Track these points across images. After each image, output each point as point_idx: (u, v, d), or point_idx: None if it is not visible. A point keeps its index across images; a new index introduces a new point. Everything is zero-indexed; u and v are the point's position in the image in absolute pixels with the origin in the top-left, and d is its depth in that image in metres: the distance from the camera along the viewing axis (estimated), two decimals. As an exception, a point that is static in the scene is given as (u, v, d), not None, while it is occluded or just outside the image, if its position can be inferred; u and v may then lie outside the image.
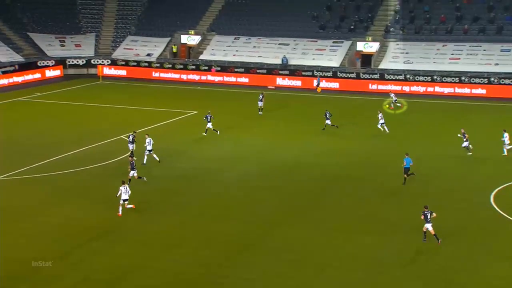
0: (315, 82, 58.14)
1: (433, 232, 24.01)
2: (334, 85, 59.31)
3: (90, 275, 21.83)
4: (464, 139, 35.91)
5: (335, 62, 61.54)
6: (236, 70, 62.43)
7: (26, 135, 40.35)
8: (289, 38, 64.87)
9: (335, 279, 21.97)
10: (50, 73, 62.93)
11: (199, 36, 67.29)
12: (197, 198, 29.49)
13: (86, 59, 65.87)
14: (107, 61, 65.65)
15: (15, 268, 22.10)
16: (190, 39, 67.40)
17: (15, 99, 52.00)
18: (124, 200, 26.79)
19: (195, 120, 45.44)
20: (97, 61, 65.60)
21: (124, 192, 26.77)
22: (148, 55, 66.14)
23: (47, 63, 63.56)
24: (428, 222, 24.01)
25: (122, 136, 39.95)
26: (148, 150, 33.97)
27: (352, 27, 65.00)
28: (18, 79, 59.43)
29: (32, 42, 66.20)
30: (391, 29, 63.84)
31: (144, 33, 68.95)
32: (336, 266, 22.81)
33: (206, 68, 63.31)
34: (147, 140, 33.94)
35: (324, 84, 58.89)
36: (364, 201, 29.17)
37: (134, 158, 32.08)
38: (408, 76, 58.15)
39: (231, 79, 61.89)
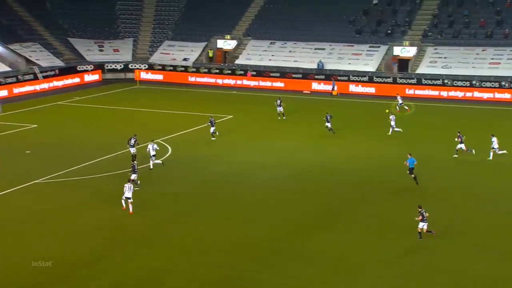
0: (332, 86, 58.26)
1: (426, 230, 24.94)
2: (370, 90, 58.93)
3: (125, 277, 22.22)
4: (459, 141, 35.61)
5: (371, 67, 61.15)
6: (271, 74, 62.58)
7: (65, 138, 41.27)
8: (325, 42, 64.75)
9: (369, 285, 21.86)
10: (88, 78, 64.22)
11: (235, 41, 67.72)
12: (228, 201, 29.70)
13: (124, 63, 66.99)
14: (144, 66, 66.61)
15: (54, 269, 22.65)
16: (226, 43, 67.88)
17: (55, 103, 53.21)
18: (127, 198, 27.63)
19: (229, 124, 45.78)
20: (135, 66, 66.63)
21: (128, 190, 27.61)
22: (185, 59, 66.88)
23: (86, 67, 64.86)
24: (424, 221, 24.83)
25: (158, 140, 40.53)
26: (152, 155, 33.96)
27: (389, 31, 64.49)
28: (58, 83, 60.78)
29: (72, 47, 67.65)
30: (429, 34, 63.12)
31: (180, 38, 69.74)
32: (369, 272, 22.69)
33: (242, 72, 63.67)
34: (150, 146, 34.01)
35: (360, 89, 58.61)
36: (396, 206, 28.93)
37: (135, 161, 32.31)
38: (446, 81, 57.38)
39: (267, 83, 62.08)
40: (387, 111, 46.44)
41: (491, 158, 35.55)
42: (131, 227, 26.44)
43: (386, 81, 59.43)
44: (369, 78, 59.80)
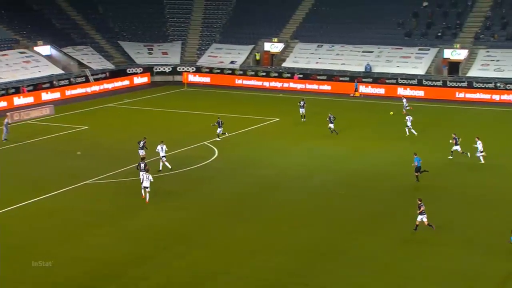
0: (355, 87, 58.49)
1: (426, 223, 25.68)
2: (419, 93, 58.09)
3: (173, 278, 22.54)
4: (455, 143, 35.60)
5: (420, 70, 60.27)
6: (318, 77, 62.44)
7: (115, 140, 42.20)
8: (373, 45, 64.16)
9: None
10: (138, 80, 65.44)
11: (282, 44, 67.84)
12: (277, 205, 29.78)
13: (172, 66, 67.98)
14: (192, 69, 67.44)
15: (103, 269, 23.21)
16: (273, 46, 68.08)
17: (105, 105, 54.45)
18: (145, 187, 29.27)
19: (275, 127, 45.90)
20: (183, 69, 67.55)
21: (146, 180, 29.21)
22: (232, 62, 67.40)
23: (136, 70, 66.15)
24: (422, 214, 25.62)
25: (205, 142, 41.01)
26: (162, 156, 34.04)
27: (439, 34, 63.45)
28: (108, 85, 62.17)
29: (122, 50, 69.08)
30: (481, 36, 61.78)
31: (228, 40, 70.30)
32: (420, 279, 22.41)
33: (289, 75, 63.72)
34: (159, 147, 34.05)
35: (408, 92, 57.85)
36: (446, 211, 28.48)
37: (144, 161, 32.22)
38: (498, 84, 56.06)
39: (314, 86, 61.95)
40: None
41: (482, 161, 35.36)
42: (181, 229, 26.82)
43: (435, 84, 58.48)
44: (418, 81, 58.97)
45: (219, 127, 41.09)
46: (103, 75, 62.94)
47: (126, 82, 64.01)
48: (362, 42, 64.65)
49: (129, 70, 65.80)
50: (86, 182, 32.76)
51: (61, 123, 45.94)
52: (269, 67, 66.68)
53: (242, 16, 72.32)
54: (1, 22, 62.03)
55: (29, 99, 54.09)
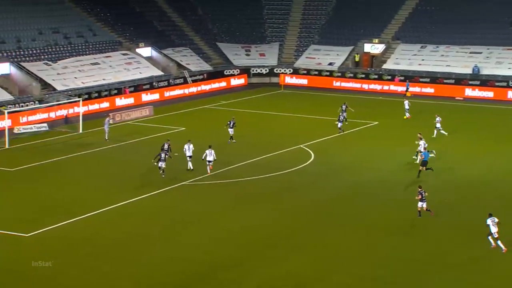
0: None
1: (425, 208, 27.87)
2: (533, 97, 55.04)
3: (265, 282, 22.49)
4: (419, 143, 35.68)
5: (535, 72, 57.07)
6: (421, 80, 60.59)
7: (211, 141, 42.89)
8: (482, 46, 61.47)
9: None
10: (235, 82, 66.34)
11: (383, 45, 66.42)
12: (374, 210, 29.13)
13: (269, 68, 68.36)
14: (289, 70, 67.46)
15: (197, 269, 23.54)
16: (374, 47, 66.78)
17: (202, 106, 55.55)
18: (209, 161, 33.64)
19: (374, 131, 44.94)
20: (280, 70, 67.75)
21: (209, 155, 33.70)
22: (330, 64, 66.80)
23: (233, 72, 67.10)
24: (423, 200, 27.72)
25: (301, 146, 40.83)
26: (188, 156, 34.74)
27: (556, 33, 59.79)
28: (205, 87, 63.43)
29: (220, 51, 70.31)
30: None
31: (326, 42, 69.75)
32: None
33: (389, 77, 62.29)
34: (186, 146, 34.82)
35: (520, 96, 55.01)
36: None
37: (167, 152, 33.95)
38: None
39: (416, 89, 60.14)
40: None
41: (434, 135, 40.20)
42: (275, 233, 26.77)
43: (551, 87, 55.11)
44: (531, 84, 55.85)
45: (230, 128, 40.96)
46: (201, 77, 64.33)
47: (223, 84, 65.08)
48: (470, 43, 62.08)
49: (227, 72, 66.84)
50: (183, 183, 33.47)
51: (159, 124, 47.30)
52: (368, 69, 65.50)
53: (342, 16, 71.51)
54: (105, 25, 64.95)
55: (130, 100, 56.18)
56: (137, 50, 63.56)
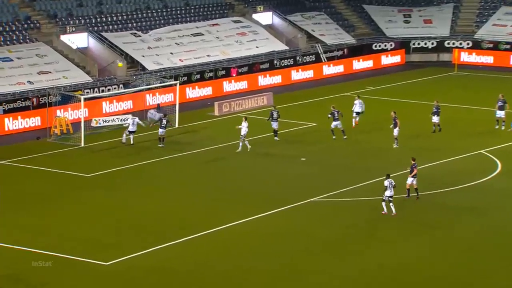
0: None
1: (415, 186, 31.91)
2: None
3: None
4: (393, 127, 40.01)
5: None
6: None
7: (348, 143, 42.98)
8: None
9: None
10: (386, 60, 65.99)
11: None
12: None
13: (438, 40, 67.34)
14: (467, 44, 66.16)
15: None
16: None
17: (340, 93, 55.15)
18: (243, 135, 40.10)
19: None
20: (453, 44, 66.55)
21: (132, 125, 42.11)
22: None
23: (385, 46, 66.77)
24: (414, 177, 31.69)
25: (482, 151, 40.04)
26: (242, 135, 40.32)
27: None
28: (345, 67, 63.51)
29: (368, 17, 70.22)
30: None
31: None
32: None
33: None
34: (243, 125, 40.16)
35: None
36: None
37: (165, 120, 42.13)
38: None
39: None
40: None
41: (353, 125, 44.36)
42: (444, 272, 26.61)
43: None
44: None
45: (273, 121, 43.45)
46: (340, 53, 64.58)
47: (369, 63, 64.89)
48: None
49: (376, 46, 66.63)
50: (311, 199, 33.82)
51: (282, 118, 47.98)
52: None
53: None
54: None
55: (242, 84, 57.39)
56: (254, 16, 64.87)
